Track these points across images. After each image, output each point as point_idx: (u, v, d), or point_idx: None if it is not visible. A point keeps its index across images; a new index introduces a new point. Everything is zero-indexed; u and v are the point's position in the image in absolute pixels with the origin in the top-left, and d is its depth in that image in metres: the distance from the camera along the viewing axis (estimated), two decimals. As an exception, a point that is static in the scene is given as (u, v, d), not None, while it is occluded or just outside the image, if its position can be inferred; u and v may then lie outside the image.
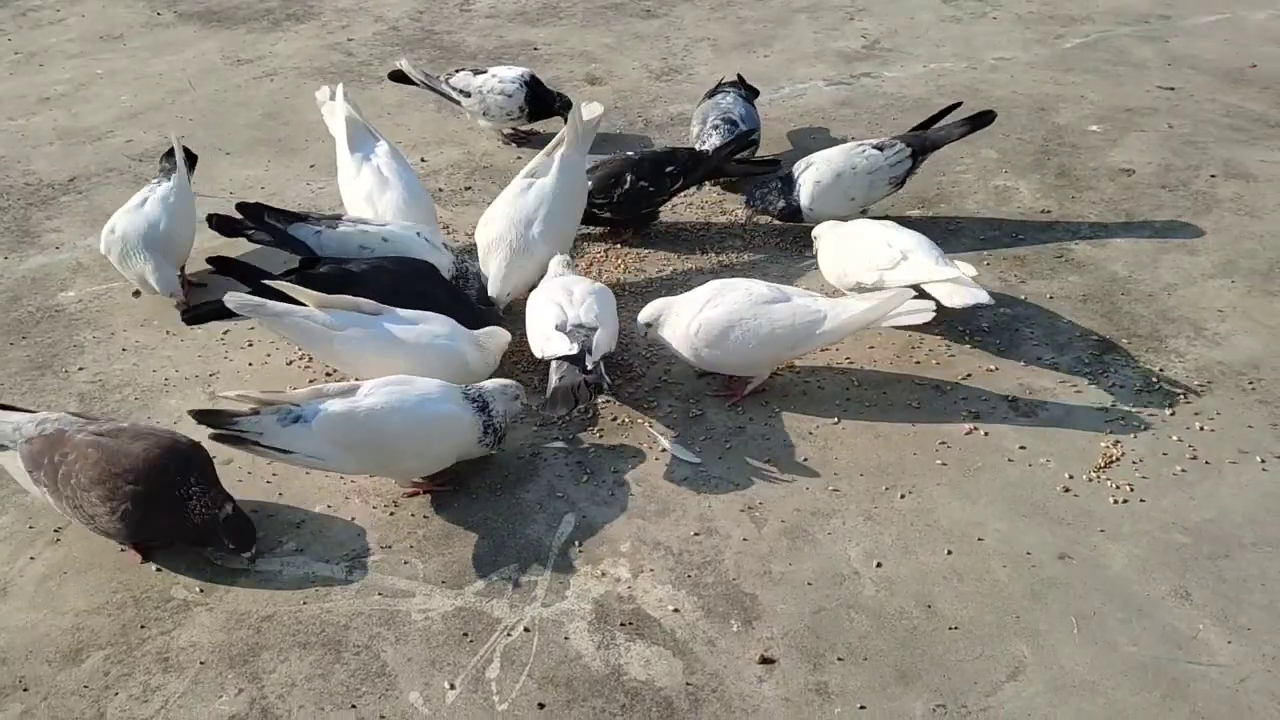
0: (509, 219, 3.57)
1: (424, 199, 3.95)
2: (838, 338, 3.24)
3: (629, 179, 3.97)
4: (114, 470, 2.65)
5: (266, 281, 3.18)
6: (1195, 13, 6.22)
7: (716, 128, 4.39)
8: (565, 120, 4.78)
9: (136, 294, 3.73)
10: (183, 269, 3.84)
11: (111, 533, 2.73)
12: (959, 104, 4.24)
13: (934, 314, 3.18)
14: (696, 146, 4.36)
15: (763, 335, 3.12)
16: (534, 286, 3.46)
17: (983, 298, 3.28)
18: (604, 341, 3.12)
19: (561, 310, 3.19)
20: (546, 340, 3.15)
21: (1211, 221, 4.13)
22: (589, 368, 3.03)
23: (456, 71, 4.94)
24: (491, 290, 3.56)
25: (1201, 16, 6.17)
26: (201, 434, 2.79)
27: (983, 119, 4.12)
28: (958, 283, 3.32)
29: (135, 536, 2.74)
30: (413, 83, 4.95)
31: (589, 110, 3.86)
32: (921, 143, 4.04)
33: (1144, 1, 6.40)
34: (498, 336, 3.24)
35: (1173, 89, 5.25)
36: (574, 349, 3.05)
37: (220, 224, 3.63)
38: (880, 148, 3.94)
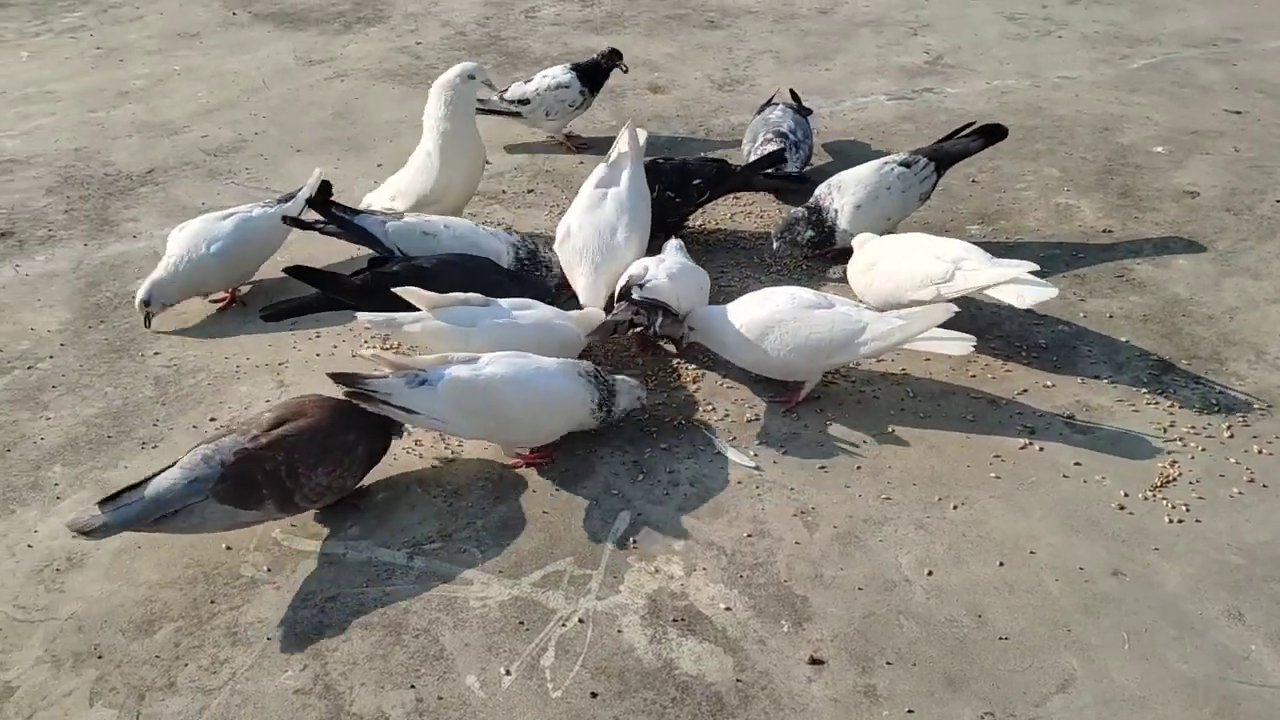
0: (593, 228, 3.66)
1: None
2: (877, 351, 3.21)
3: (656, 189, 3.99)
4: (329, 434, 2.81)
5: (395, 290, 3.25)
6: (1265, 37, 6.17)
7: (769, 140, 4.44)
8: (624, 70, 4.99)
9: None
10: (234, 291, 3.95)
11: (349, 484, 2.90)
12: (973, 124, 4.23)
13: (973, 348, 3.17)
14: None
15: (799, 340, 3.18)
16: None
17: (1052, 292, 3.24)
18: (663, 289, 3.34)
19: (645, 269, 3.44)
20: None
21: (1276, 246, 4.09)
22: (635, 299, 3.30)
23: (505, 90, 4.99)
24: (584, 299, 3.64)
25: (1271, 41, 6.12)
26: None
27: (997, 132, 4.10)
28: (1020, 282, 3.26)
29: (368, 469, 2.96)
30: None
31: (641, 136, 3.96)
32: (942, 156, 4.04)
33: (1212, 24, 6.36)
34: (590, 318, 3.41)
35: (1240, 113, 5.21)
36: (624, 286, 3.36)
37: (294, 221, 3.80)
38: (907, 164, 3.93)
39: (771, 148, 4.37)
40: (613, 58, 5.00)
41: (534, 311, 3.30)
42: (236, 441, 2.72)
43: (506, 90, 4.95)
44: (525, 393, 2.96)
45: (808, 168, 4.59)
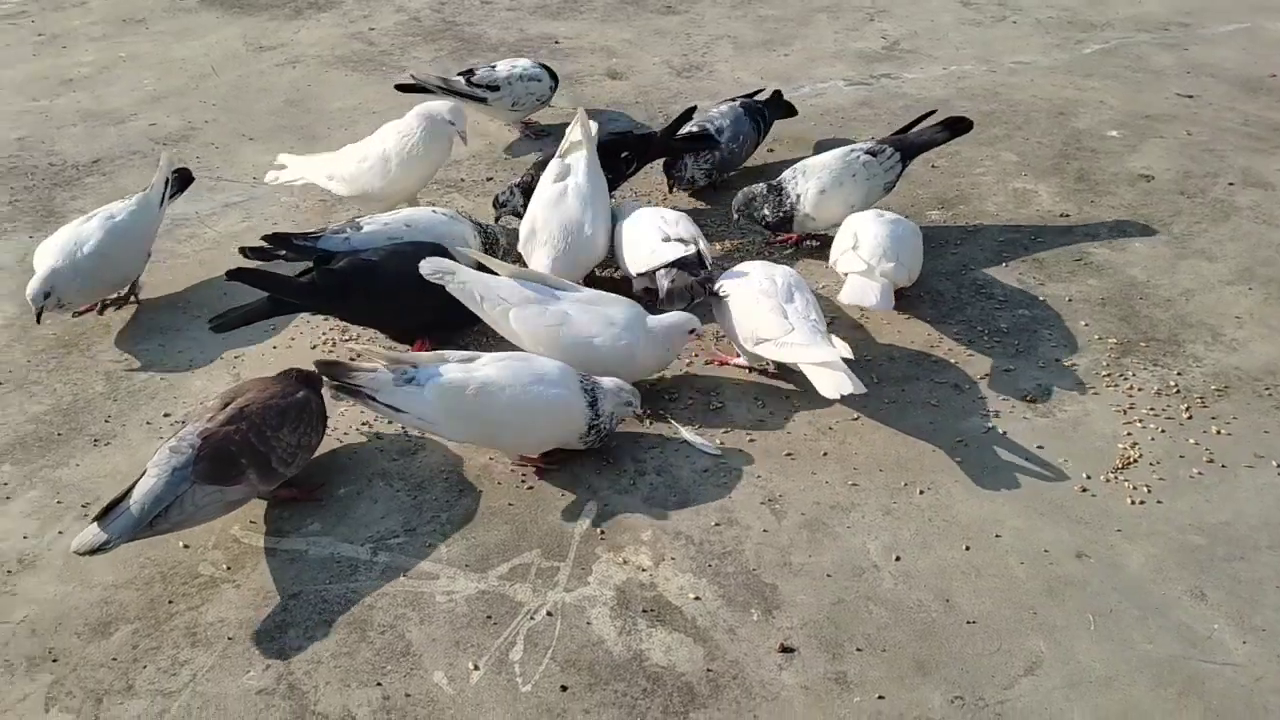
0: (560, 224, 3.58)
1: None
2: (778, 359, 3.18)
3: None
4: (281, 396, 2.82)
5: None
6: (1215, 21, 6.24)
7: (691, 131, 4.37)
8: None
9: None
10: (134, 285, 3.78)
11: (315, 441, 2.90)
12: (934, 111, 4.26)
13: (840, 397, 2.97)
14: None
15: (737, 315, 3.25)
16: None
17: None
18: (706, 250, 3.51)
19: (661, 229, 3.54)
20: (652, 253, 3.50)
21: (1229, 229, 4.15)
22: (703, 266, 3.46)
23: (473, 72, 4.86)
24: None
25: (1221, 25, 6.19)
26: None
27: (961, 125, 4.13)
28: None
29: (325, 426, 2.99)
30: (425, 90, 4.78)
31: (594, 125, 3.91)
32: (908, 147, 4.04)
33: (1164, 9, 6.43)
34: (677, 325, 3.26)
35: (1192, 97, 5.27)
36: (690, 249, 3.46)
37: (255, 253, 3.59)
38: (873, 153, 3.93)
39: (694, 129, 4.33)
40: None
41: (598, 311, 3.17)
42: (195, 427, 2.70)
43: (473, 74, 4.84)
44: (519, 399, 2.85)
45: (727, 173, 4.45)
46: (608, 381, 2.98)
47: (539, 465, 3.04)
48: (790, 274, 3.34)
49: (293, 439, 2.79)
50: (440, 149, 4.11)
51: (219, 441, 2.66)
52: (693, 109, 4.35)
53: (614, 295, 3.27)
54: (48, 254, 3.53)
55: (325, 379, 2.89)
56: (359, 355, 2.94)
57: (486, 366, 2.90)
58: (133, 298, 3.79)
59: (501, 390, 2.85)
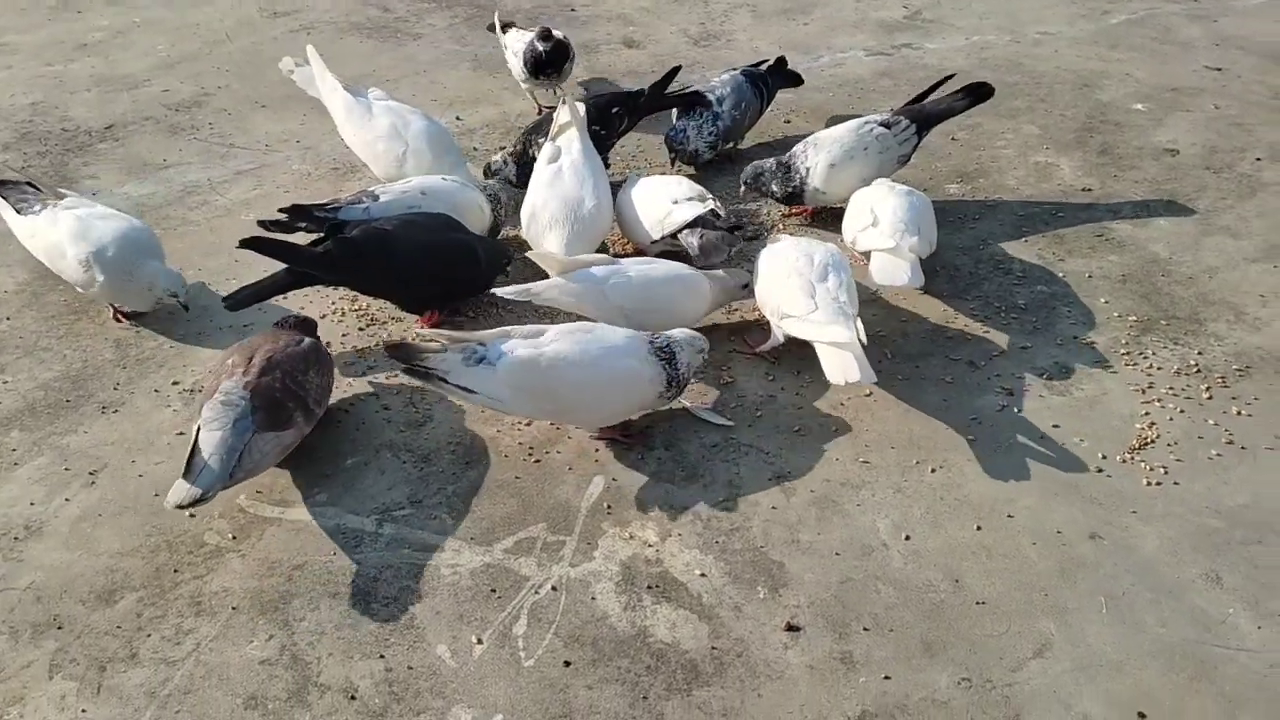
0: (561, 202, 3.53)
1: (439, 124, 4.11)
2: (799, 335, 3.11)
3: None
4: (294, 344, 2.92)
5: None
6: (1246, -8, 6.10)
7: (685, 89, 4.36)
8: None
9: (118, 318, 3.56)
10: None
11: (330, 381, 3.04)
12: (952, 75, 4.17)
13: (845, 383, 2.93)
14: None
15: (767, 290, 3.23)
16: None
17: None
18: (719, 205, 3.58)
19: (669, 193, 3.60)
20: (667, 215, 3.54)
21: (1255, 205, 4.06)
22: (725, 219, 3.52)
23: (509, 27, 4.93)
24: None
25: (1252, -4, 6.06)
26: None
27: (981, 91, 4.02)
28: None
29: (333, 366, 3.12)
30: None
31: (581, 108, 3.84)
32: (925, 117, 3.94)
33: (1193, -21, 6.29)
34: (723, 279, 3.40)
35: (1220, 70, 5.16)
36: (707, 205, 3.53)
37: (273, 225, 3.47)
38: (887, 125, 3.83)
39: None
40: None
41: (662, 265, 3.31)
42: (236, 381, 2.77)
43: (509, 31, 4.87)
44: (591, 373, 2.81)
45: (729, 144, 4.39)
46: (679, 333, 2.97)
47: (617, 437, 3.02)
48: (832, 253, 3.24)
49: (318, 379, 2.92)
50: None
51: (265, 391, 2.76)
52: (677, 68, 4.31)
53: (643, 257, 3.39)
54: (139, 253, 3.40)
55: (396, 362, 2.84)
56: (420, 337, 2.92)
57: (556, 341, 2.84)
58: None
59: (573, 366, 2.80)
